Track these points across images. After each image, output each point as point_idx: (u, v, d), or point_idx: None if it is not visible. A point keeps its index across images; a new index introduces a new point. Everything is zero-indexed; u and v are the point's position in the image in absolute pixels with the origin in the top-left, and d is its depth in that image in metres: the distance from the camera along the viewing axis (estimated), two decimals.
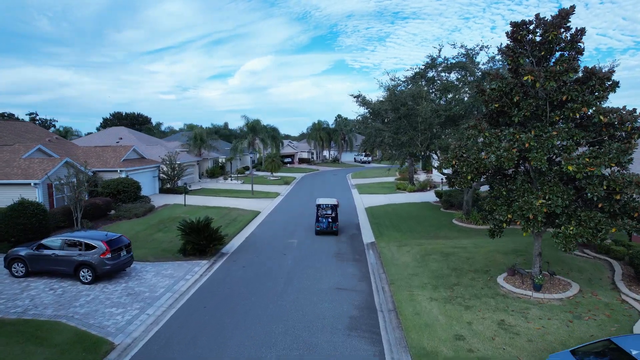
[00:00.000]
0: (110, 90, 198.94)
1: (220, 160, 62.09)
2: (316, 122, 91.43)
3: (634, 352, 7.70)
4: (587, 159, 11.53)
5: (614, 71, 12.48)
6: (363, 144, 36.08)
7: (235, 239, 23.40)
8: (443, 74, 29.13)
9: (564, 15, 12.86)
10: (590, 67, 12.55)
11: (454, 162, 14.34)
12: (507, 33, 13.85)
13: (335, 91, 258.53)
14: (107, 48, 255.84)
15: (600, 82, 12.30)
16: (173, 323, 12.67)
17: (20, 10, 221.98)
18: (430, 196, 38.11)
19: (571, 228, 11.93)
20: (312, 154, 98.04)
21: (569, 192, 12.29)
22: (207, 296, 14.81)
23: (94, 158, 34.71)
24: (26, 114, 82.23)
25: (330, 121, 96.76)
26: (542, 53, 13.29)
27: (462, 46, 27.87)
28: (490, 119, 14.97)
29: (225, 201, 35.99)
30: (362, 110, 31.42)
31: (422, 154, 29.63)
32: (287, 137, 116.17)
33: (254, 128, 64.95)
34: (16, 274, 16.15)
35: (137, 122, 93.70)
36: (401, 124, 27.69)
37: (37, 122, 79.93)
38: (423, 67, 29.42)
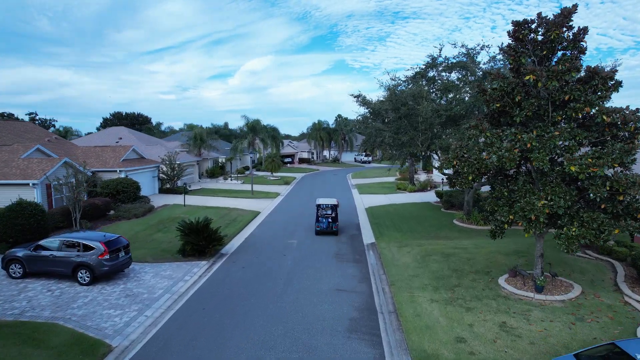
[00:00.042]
0: (111, 90, 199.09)
1: (220, 160, 61.98)
2: (316, 122, 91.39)
3: (639, 357, 7.56)
4: (590, 160, 11.39)
5: (616, 70, 12.36)
6: (363, 144, 35.96)
7: (235, 240, 23.29)
8: (444, 73, 28.99)
9: (566, 14, 12.73)
10: (592, 67, 12.42)
11: (455, 163, 14.21)
12: (508, 32, 13.72)
13: (336, 91, 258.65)
14: (107, 48, 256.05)
15: (603, 81, 12.17)
16: (171, 325, 12.55)
17: (21, 10, 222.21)
18: (430, 196, 37.98)
19: (574, 229, 11.80)
20: (312, 154, 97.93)
21: (572, 192, 12.15)
22: (206, 297, 14.70)
23: (93, 158, 34.61)
24: (26, 114, 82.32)
25: (331, 121, 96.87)
26: (544, 52, 13.16)
27: (462, 46, 27.68)
28: (491, 118, 14.84)
29: (225, 201, 35.88)
30: (363, 110, 31.37)
31: (423, 154, 29.52)
32: (287, 137, 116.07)
33: (254, 128, 64.86)
34: (14, 275, 16.03)
35: (137, 122, 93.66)
36: (402, 123, 27.56)
37: (36, 122, 79.89)
38: (424, 66, 29.27)
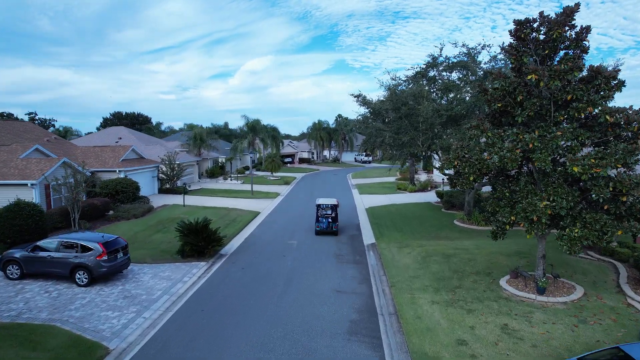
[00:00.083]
0: (111, 90, 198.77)
1: (220, 160, 61.86)
2: (316, 121, 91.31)
3: None
4: (593, 160, 11.25)
5: (619, 70, 12.21)
6: (364, 144, 35.79)
7: (235, 240, 23.17)
8: (444, 73, 28.84)
9: (569, 13, 12.60)
10: (595, 66, 12.28)
11: (456, 163, 14.09)
12: (510, 31, 13.59)
13: (336, 91, 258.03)
14: (108, 47, 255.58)
15: (606, 81, 12.03)
16: (170, 326, 12.43)
17: (21, 10, 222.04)
18: (431, 196, 37.86)
19: (576, 230, 11.67)
20: (313, 153, 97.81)
21: (574, 193, 12.02)
22: (205, 298, 14.58)
23: (93, 158, 34.49)
24: (25, 114, 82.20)
25: (331, 121, 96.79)
26: (546, 52, 13.03)
27: (463, 45, 27.49)
28: (492, 118, 14.71)
29: (225, 201, 35.76)
30: (363, 110, 31.19)
31: (423, 154, 29.36)
32: (288, 136, 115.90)
33: (254, 128, 64.75)
34: (11, 276, 15.91)
35: (137, 122, 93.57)
36: (402, 123, 27.41)
37: (36, 121, 79.75)
38: (424, 66, 29.10)
